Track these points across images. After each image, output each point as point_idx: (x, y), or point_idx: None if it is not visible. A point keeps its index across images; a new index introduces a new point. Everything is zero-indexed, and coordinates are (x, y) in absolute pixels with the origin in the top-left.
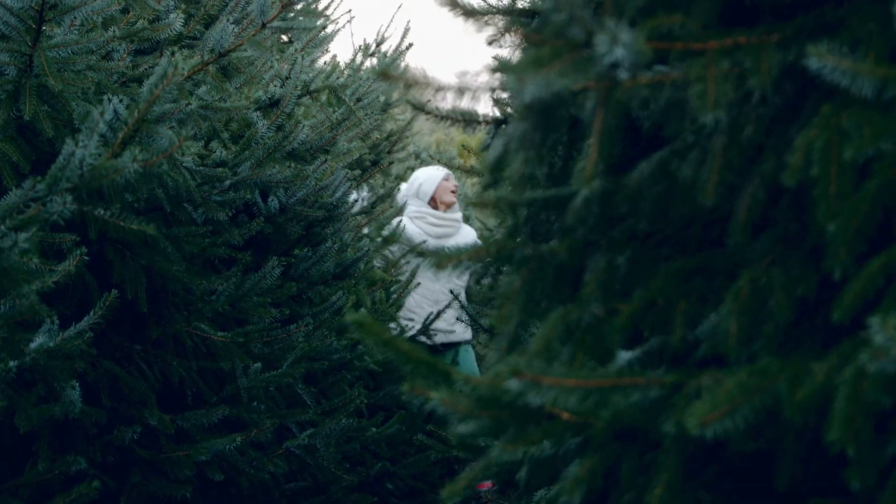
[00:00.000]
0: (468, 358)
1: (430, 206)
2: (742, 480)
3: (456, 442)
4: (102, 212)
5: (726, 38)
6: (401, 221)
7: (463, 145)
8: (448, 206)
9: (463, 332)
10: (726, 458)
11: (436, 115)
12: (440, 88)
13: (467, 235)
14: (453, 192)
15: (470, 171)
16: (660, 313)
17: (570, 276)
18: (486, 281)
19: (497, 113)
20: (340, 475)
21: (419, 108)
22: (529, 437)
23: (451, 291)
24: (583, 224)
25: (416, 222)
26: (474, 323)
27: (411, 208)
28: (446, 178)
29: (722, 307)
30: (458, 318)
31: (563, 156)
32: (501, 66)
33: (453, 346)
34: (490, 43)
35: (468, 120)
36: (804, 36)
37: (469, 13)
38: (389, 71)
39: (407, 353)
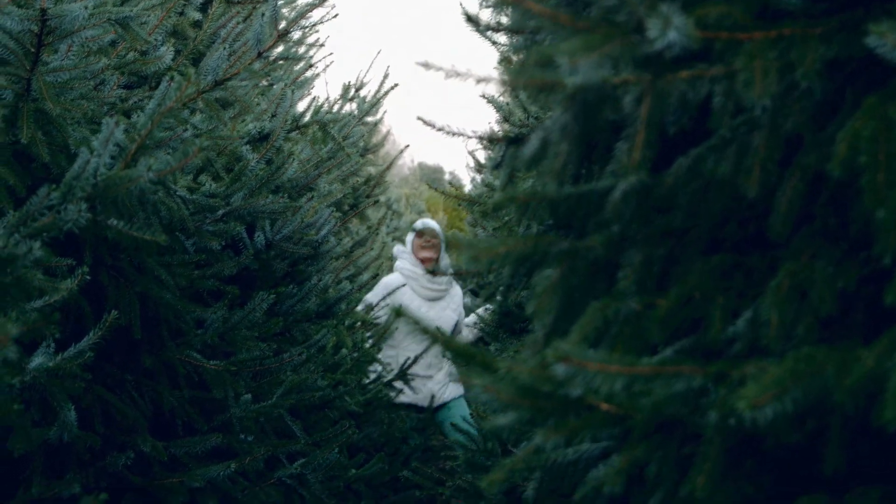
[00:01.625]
0: (462, 404)
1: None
2: (781, 472)
3: (489, 434)
4: (116, 222)
5: (771, 30)
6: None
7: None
8: (424, 262)
9: (456, 390)
10: (765, 450)
11: (453, 133)
12: (481, 80)
13: (455, 295)
14: (425, 246)
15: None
16: (697, 308)
17: (606, 271)
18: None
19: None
20: None
21: (430, 124)
22: (569, 426)
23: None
24: (619, 219)
25: (409, 282)
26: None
27: (405, 265)
28: (419, 235)
29: (762, 300)
30: (451, 379)
31: (600, 154)
32: (550, 52)
33: (449, 403)
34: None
35: (486, 138)
36: (848, 28)
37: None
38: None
39: (448, 343)
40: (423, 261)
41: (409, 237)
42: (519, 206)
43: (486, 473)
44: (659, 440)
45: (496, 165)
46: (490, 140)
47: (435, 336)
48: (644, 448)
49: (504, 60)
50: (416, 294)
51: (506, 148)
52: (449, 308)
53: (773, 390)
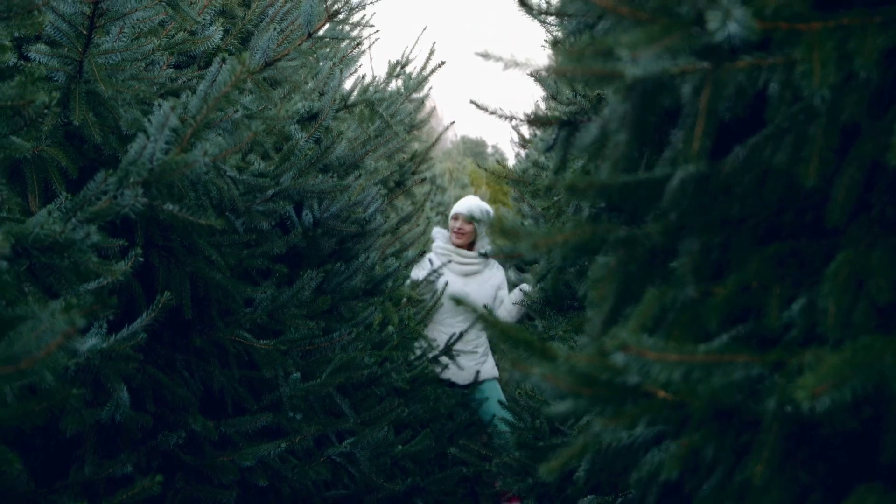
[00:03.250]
0: (495, 387)
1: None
2: (837, 460)
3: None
4: (172, 206)
5: (829, 20)
6: (428, 260)
7: (478, 165)
8: (456, 246)
9: (491, 370)
10: (822, 438)
11: (504, 117)
12: (538, 70)
13: (495, 273)
14: (458, 232)
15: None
16: (754, 296)
17: (663, 259)
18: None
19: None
20: (381, 483)
21: (482, 108)
22: (627, 413)
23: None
24: (677, 207)
25: (442, 259)
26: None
27: (439, 244)
28: (454, 218)
29: (820, 288)
30: (483, 357)
31: (655, 140)
32: (610, 42)
33: (488, 381)
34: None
35: (538, 121)
36: None
37: None
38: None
39: (506, 330)
40: (455, 245)
41: (450, 219)
42: (574, 192)
43: (533, 452)
44: (716, 427)
45: (548, 148)
46: (542, 123)
47: (485, 318)
48: (701, 435)
49: (554, 43)
50: (451, 271)
51: (558, 131)
52: (487, 284)
53: (832, 380)
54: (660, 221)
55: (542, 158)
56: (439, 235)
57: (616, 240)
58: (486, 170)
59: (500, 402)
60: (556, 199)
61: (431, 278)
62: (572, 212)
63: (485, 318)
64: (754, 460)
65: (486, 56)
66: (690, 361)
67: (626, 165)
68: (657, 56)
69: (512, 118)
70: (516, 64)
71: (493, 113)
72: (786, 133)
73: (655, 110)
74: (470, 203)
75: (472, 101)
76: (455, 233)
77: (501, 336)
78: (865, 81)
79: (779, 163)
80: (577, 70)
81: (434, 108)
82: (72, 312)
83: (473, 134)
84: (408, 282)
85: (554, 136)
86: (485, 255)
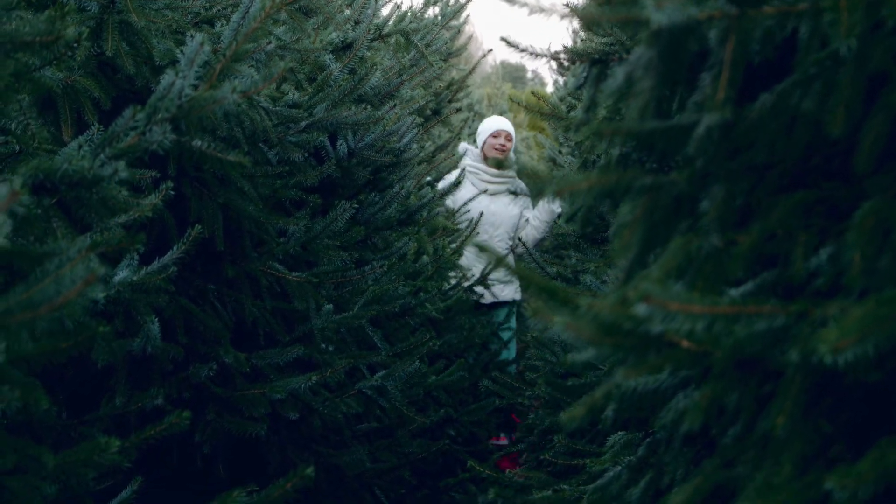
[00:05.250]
0: (510, 313)
1: (481, 158)
2: (860, 411)
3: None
4: (200, 143)
5: None
6: (460, 174)
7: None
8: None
9: (513, 293)
10: (844, 388)
11: (536, 55)
12: (565, 16)
13: (519, 185)
14: (500, 149)
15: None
16: (779, 244)
17: (689, 207)
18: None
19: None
20: (412, 416)
21: (513, 45)
22: (650, 364)
23: (519, 239)
24: (703, 154)
25: (471, 177)
26: (539, 269)
27: (468, 161)
28: (495, 135)
29: (846, 238)
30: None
31: (684, 86)
32: None
33: (504, 305)
34: None
35: (569, 58)
36: None
37: None
38: None
39: (529, 277)
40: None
41: (482, 138)
42: (600, 137)
43: (563, 389)
44: (739, 377)
45: (578, 86)
46: (573, 59)
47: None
48: (723, 385)
49: None
50: (478, 188)
51: (589, 68)
52: (512, 204)
53: (854, 334)
54: (685, 168)
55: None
56: (470, 154)
57: (641, 186)
58: (518, 104)
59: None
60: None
61: (457, 197)
62: (605, 147)
63: (504, 263)
64: (776, 410)
65: (511, 1)
66: (714, 313)
67: (656, 109)
68: (683, 1)
69: (543, 56)
70: (542, 9)
71: (524, 50)
72: (814, 80)
73: (681, 57)
74: (506, 121)
75: (503, 38)
76: (498, 150)
77: (524, 282)
78: (893, 30)
79: (806, 110)
80: (602, 16)
81: (472, 35)
82: (93, 257)
83: (513, 59)
84: (443, 210)
85: (585, 74)
86: (514, 193)
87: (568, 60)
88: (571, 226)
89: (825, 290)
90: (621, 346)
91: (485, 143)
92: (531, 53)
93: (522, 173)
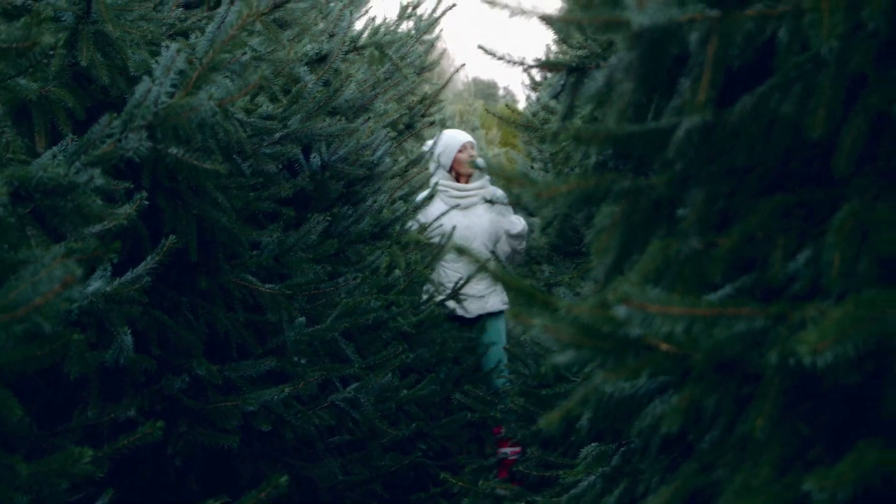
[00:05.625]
0: (498, 326)
1: (451, 176)
2: (838, 414)
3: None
4: (176, 150)
5: None
6: (432, 188)
7: (488, 109)
8: (468, 177)
9: (497, 303)
10: (823, 391)
11: (512, 62)
12: (545, 18)
13: (494, 193)
14: (472, 160)
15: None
16: (758, 247)
17: (668, 210)
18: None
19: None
20: (384, 429)
21: (490, 53)
22: (629, 367)
23: (493, 252)
24: (683, 157)
25: (441, 196)
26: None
27: (437, 179)
28: (461, 150)
29: (825, 240)
30: (491, 291)
31: (661, 93)
32: None
33: (487, 316)
34: None
35: (546, 66)
36: None
37: None
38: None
39: (508, 280)
40: (466, 176)
41: (448, 156)
42: (579, 142)
43: (536, 400)
44: (718, 380)
45: (555, 94)
46: (550, 68)
47: (487, 267)
48: (702, 388)
49: None
50: (449, 205)
51: (566, 76)
52: (485, 215)
53: (834, 335)
54: (665, 172)
55: (553, 102)
56: (437, 172)
57: (620, 190)
58: (494, 114)
59: (506, 348)
60: (564, 144)
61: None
62: (581, 157)
63: (486, 266)
64: (755, 413)
65: (492, 3)
66: (693, 314)
67: (634, 114)
68: (665, 4)
69: (520, 64)
70: (523, 11)
71: (501, 58)
72: (794, 82)
73: (662, 59)
74: (464, 133)
75: (480, 46)
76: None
77: (504, 285)
78: (873, 32)
79: (786, 112)
80: (584, 18)
81: (445, 50)
82: (70, 261)
83: (485, 76)
84: (415, 225)
85: (562, 83)
86: (489, 202)
87: (544, 70)
88: (546, 237)
89: (803, 294)
90: (600, 349)
91: (453, 161)
92: (508, 61)
93: (498, 178)
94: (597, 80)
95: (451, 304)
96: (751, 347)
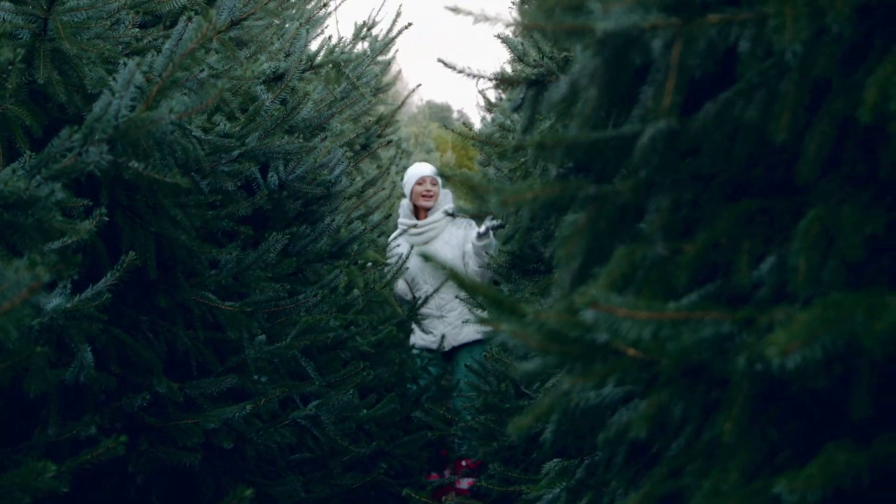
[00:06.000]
0: (476, 352)
1: (411, 207)
2: (807, 418)
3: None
4: (137, 164)
5: None
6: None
7: (446, 126)
8: (426, 211)
9: (471, 334)
10: (791, 395)
11: (472, 76)
12: (509, 24)
13: (455, 230)
14: (427, 195)
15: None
16: (723, 253)
17: (633, 216)
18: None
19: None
20: (345, 446)
21: (450, 66)
22: (596, 371)
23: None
24: (648, 164)
25: (404, 236)
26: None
27: (401, 218)
28: (420, 182)
29: (791, 245)
30: (464, 321)
31: (624, 97)
32: None
33: (464, 347)
34: None
35: (506, 80)
36: None
37: None
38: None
39: (474, 287)
40: (424, 209)
41: (408, 187)
42: (543, 150)
43: (499, 415)
44: (685, 385)
45: (516, 108)
46: (510, 83)
47: (454, 275)
48: (669, 393)
49: (522, 1)
50: (410, 243)
51: (526, 90)
52: (448, 245)
53: (802, 337)
54: (629, 179)
55: (509, 122)
56: (401, 209)
57: (585, 197)
58: (453, 131)
59: (467, 366)
60: (523, 160)
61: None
62: (539, 173)
63: (454, 275)
64: (723, 418)
65: (455, 10)
66: (660, 319)
67: (596, 123)
68: (628, 10)
69: (480, 77)
70: (486, 18)
71: (461, 72)
72: (757, 89)
73: (626, 66)
74: (427, 165)
75: (440, 60)
76: (424, 196)
77: (470, 294)
78: (837, 37)
79: (750, 119)
80: (547, 25)
81: (400, 72)
82: (37, 268)
83: (439, 99)
84: (371, 247)
85: (522, 96)
86: (451, 215)
87: (504, 84)
88: (506, 256)
89: (769, 300)
90: (568, 354)
91: (412, 191)
92: (468, 74)
93: (463, 188)
94: (561, 87)
95: (422, 337)
96: (718, 352)
